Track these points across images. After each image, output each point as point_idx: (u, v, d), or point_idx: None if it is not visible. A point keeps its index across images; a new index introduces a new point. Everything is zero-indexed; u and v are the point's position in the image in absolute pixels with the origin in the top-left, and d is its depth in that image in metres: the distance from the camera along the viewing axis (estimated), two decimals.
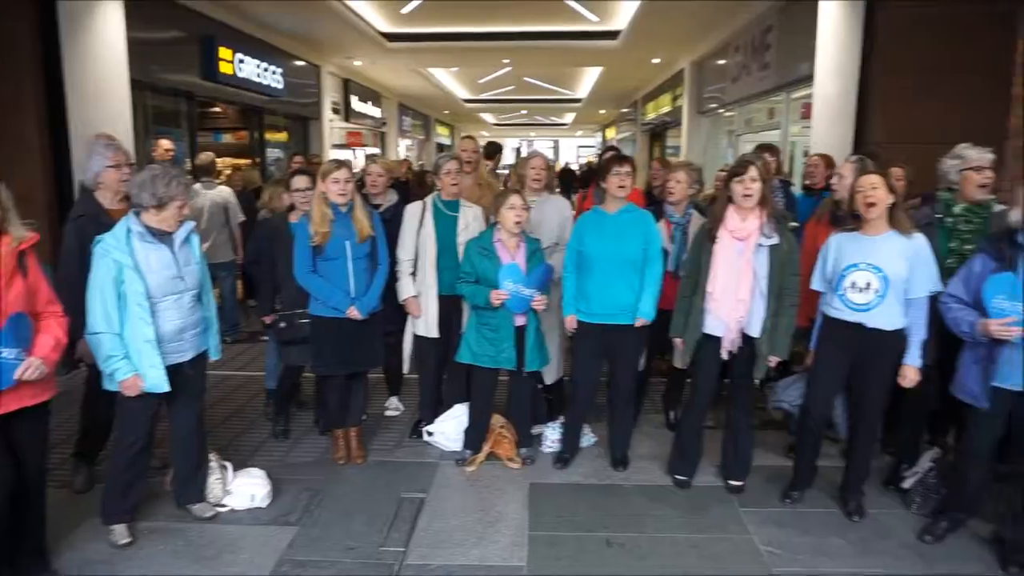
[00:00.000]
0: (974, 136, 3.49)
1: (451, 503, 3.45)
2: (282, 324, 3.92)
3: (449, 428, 3.97)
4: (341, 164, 3.62)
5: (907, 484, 3.44)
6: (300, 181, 3.99)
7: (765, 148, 4.70)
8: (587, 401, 3.78)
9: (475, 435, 3.83)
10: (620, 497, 3.51)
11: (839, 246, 3.16)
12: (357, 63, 12.88)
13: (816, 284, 3.28)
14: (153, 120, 7.38)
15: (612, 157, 3.80)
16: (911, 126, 5.06)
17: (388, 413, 4.58)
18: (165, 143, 6.49)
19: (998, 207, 3.24)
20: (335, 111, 13.05)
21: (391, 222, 3.97)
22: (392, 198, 4.32)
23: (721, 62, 10.36)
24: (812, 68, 6.22)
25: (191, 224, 3.06)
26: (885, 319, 3.04)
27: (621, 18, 9.73)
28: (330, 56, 12.10)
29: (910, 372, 3.08)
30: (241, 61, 8.87)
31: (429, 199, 3.99)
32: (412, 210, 3.96)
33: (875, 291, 3.02)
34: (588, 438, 4.06)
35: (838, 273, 3.12)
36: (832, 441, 3.75)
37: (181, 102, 8.08)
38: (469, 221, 3.91)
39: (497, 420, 3.88)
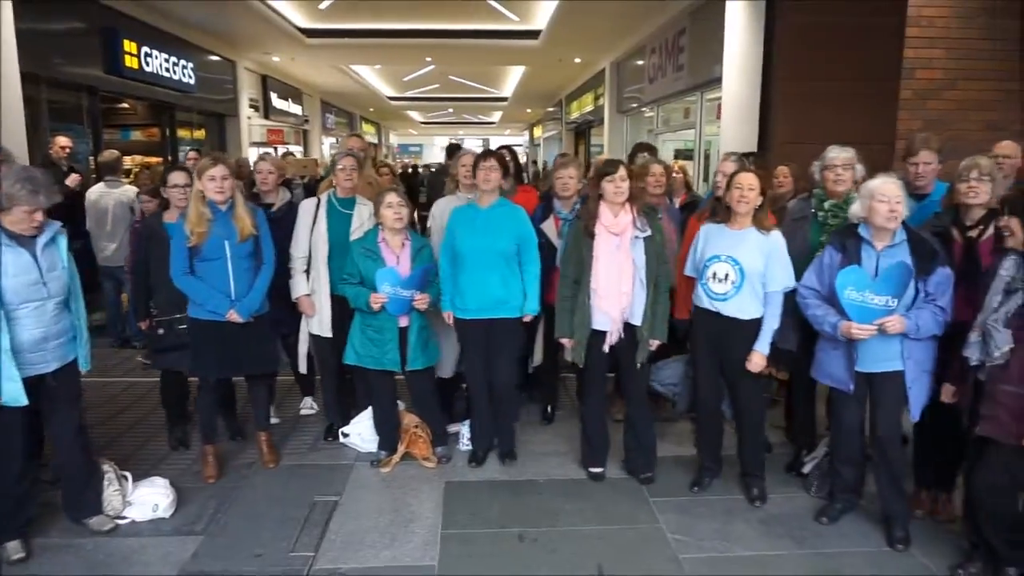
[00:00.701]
0: (866, 136, 3.70)
1: (365, 505, 3.41)
2: (160, 331, 3.73)
3: (364, 429, 3.93)
4: (217, 160, 3.44)
5: (806, 469, 3.61)
6: (176, 177, 3.76)
7: (644, 147, 4.86)
8: (482, 396, 3.79)
9: (387, 436, 3.80)
10: (534, 493, 3.54)
11: (706, 236, 3.34)
12: (275, 59, 12.57)
13: (689, 270, 3.46)
14: (50, 115, 6.99)
15: (482, 152, 3.83)
16: (810, 127, 5.30)
17: (304, 412, 4.50)
18: (62, 140, 6.16)
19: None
20: (253, 108, 12.70)
21: (284, 220, 3.89)
22: (285, 196, 4.23)
23: (639, 63, 10.59)
24: (722, 71, 6.44)
25: (56, 225, 2.90)
26: (740, 309, 3.22)
27: (541, 18, 9.82)
28: (246, 51, 11.76)
29: (756, 357, 3.25)
30: (148, 55, 8.51)
31: (324, 196, 3.94)
32: (306, 207, 3.92)
33: (732, 282, 3.21)
34: None
35: (703, 262, 3.29)
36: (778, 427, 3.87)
37: (83, 97, 7.69)
38: (364, 219, 3.86)
39: (412, 420, 3.86)
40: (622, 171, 3.36)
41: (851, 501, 3.29)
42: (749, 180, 3.23)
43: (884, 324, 2.82)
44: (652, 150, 4.88)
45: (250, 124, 12.47)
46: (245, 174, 5.16)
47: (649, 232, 3.39)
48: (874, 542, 3.11)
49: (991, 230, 2.91)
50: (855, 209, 2.98)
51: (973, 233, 2.96)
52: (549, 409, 4.45)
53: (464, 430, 4.00)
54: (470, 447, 3.92)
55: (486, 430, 3.87)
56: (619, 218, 3.37)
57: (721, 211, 3.36)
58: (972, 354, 2.64)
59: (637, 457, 3.66)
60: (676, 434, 4.14)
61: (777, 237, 3.26)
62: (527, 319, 3.68)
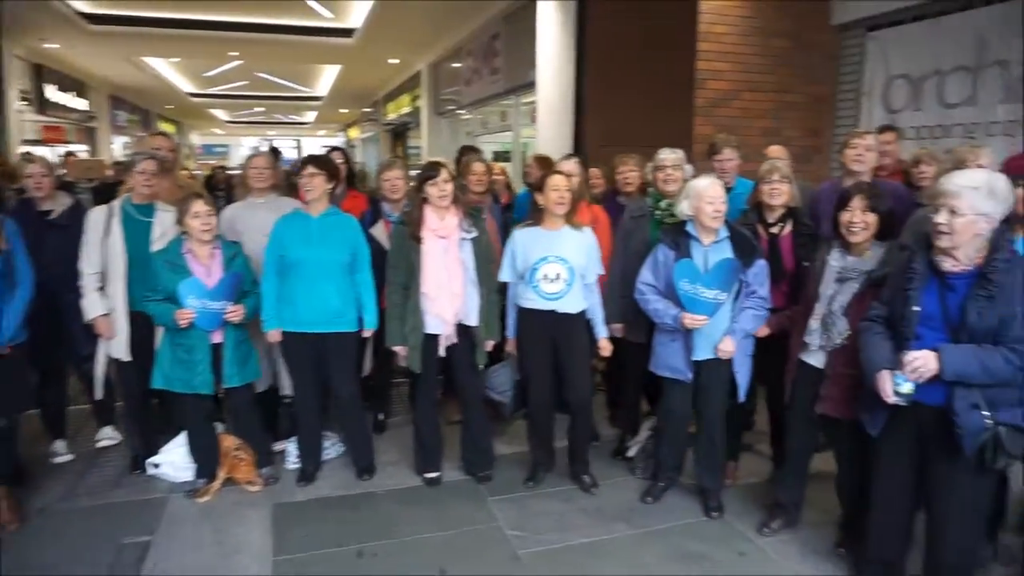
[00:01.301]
0: (669, 140, 3.98)
1: (183, 540, 3.10)
2: None
3: (177, 457, 3.57)
4: None
5: (631, 453, 3.82)
6: None
7: (469, 149, 4.93)
8: (311, 412, 3.62)
9: (204, 462, 3.50)
10: (371, 506, 3.43)
11: (524, 241, 3.43)
12: (52, 46, 11.14)
13: (506, 276, 3.51)
14: None
15: (303, 160, 3.67)
16: (620, 130, 5.62)
17: (102, 444, 4.01)
18: None
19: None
20: (25, 101, 11.16)
21: (70, 229, 3.46)
22: (65, 201, 3.76)
23: (456, 65, 10.69)
24: (536, 75, 6.65)
25: None
26: (573, 304, 3.39)
27: (356, 16, 9.58)
28: (16, 36, 10.29)
29: (605, 344, 3.48)
30: None
31: (117, 202, 3.54)
32: (96, 217, 3.49)
33: (564, 280, 3.34)
34: (334, 449, 3.92)
35: (530, 266, 3.37)
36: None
37: None
38: (167, 227, 3.47)
39: (231, 442, 3.57)
40: (444, 173, 3.35)
41: (673, 478, 3.54)
42: (563, 182, 3.36)
43: (720, 351, 3.09)
44: (478, 153, 4.92)
45: (21, 119, 10.95)
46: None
47: (475, 233, 3.42)
48: (693, 513, 3.37)
49: (789, 226, 3.26)
50: (683, 208, 3.18)
51: (775, 230, 3.29)
52: (381, 417, 4.34)
53: (291, 447, 3.78)
54: (298, 465, 3.71)
55: (316, 446, 3.70)
56: (445, 221, 3.36)
57: (535, 214, 3.45)
58: (813, 341, 2.90)
59: (474, 457, 3.67)
60: (510, 433, 4.20)
61: (588, 232, 3.44)
62: (366, 334, 3.57)
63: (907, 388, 2.29)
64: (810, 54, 6.38)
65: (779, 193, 3.22)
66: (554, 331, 3.41)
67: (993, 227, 2.25)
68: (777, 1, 6.16)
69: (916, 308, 2.33)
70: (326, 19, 9.72)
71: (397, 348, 3.47)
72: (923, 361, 2.24)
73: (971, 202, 2.21)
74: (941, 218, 2.25)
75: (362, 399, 3.76)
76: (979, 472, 2.29)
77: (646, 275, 3.27)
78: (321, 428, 3.74)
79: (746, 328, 3.10)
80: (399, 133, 16.53)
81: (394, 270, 3.44)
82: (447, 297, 3.35)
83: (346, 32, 10.24)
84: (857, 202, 2.73)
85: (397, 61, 12.56)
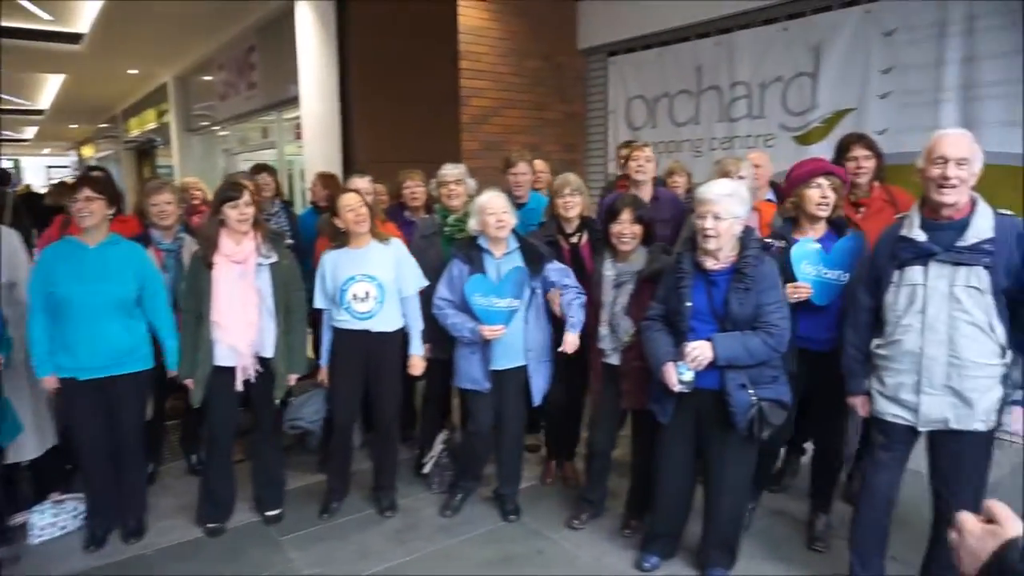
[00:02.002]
0: (438, 155, 4.07)
1: None
2: None
3: None
4: None
5: (427, 469, 3.82)
6: None
7: (261, 168, 4.66)
8: (99, 466, 3.16)
9: None
10: (144, 569, 3.05)
11: (332, 263, 3.34)
12: None
13: (319, 302, 3.39)
14: None
15: (75, 181, 3.25)
16: (391, 146, 5.63)
17: None
18: None
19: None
20: None
21: None
22: None
23: (207, 78, 9.95)
24: (299, 90, 6.42)
25: None
26: (387, 322, 3.33)
27: (83, 20, 8.51)
28: None
29: (417, 361, 3.44)
30: None
31: None
32: None
33: (374, 298, 3.28)
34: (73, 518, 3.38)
35: (339, 288, 3.28)
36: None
37: None
38: None
39: None
40: (247, 196, 3.10)
41: (472, 488, 3.60)
42: (355, 199, 3.28)
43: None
44: (271, 171, 4.64)
45: None
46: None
47: (275, 258, 3.19)
48: (491, 520, 3.45)
49: (586, 235, 3.48)
50: (472, 223, 3.26)
51: (574, 239, 3.49)
52: (151, 467, 3.88)
53: (34, 518, 3.23)
54: (45, 537, 3.19)
55: (107, 504, 3.23)
56: (242, 245, 3.11)
57: (339, 235, 3.35)
58: (606, 346, 3.12)
59: (266, 493, 3.43)
60: (294, 464, 3.98)
61: (397, 244, 3.39)
62: (172, 375, 3.24)
63: (688, 376, 2.60)
64: (562, 75, 6.90)
65: (573, 205, 3.43)
66: (368, 351, 3.32)
67: (743, 228, 2.64)
68: (530, 25, 6.57)
69: (688, 304, 2.64)
70: (45, 21, 8.51)
71: (187, 382, 3.15)
72: (700, 350, 2.57)
73: (728, 207, 2.56)
74: (708, 223, 2.57)
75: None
76: (748, 443, 2.68)
77: (443, 291, 3.30)
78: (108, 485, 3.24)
79: (581, 318, 3.17)
80: (145, 151, 14.97)
81: (186, 298, 3.14)
82: (241, 327, 3.10)
83: (72, 37, 9.05)
84: (626, 215, 3.01)
85: (136, 72, 11.36)
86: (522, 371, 3.31)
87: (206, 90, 10.12)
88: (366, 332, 3.29)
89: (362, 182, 3.89)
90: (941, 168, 2.32)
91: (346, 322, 3.31)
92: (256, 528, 3.38)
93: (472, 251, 3.26)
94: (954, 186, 2.31)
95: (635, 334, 2.97)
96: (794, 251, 2.90)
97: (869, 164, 3.26)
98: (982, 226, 2.31)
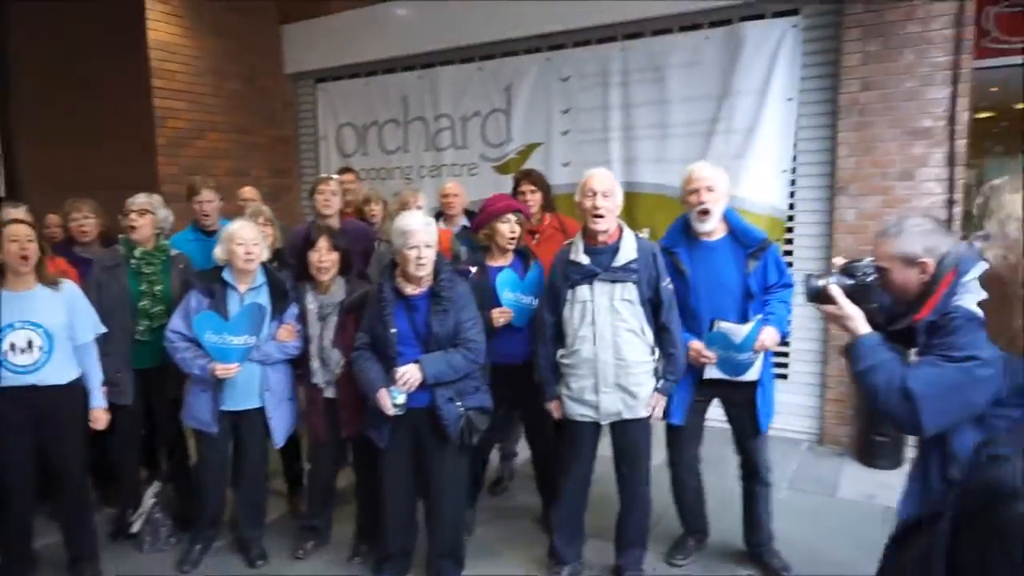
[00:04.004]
0: (130, 180, 3.76)
1: None
2: None
3: None
4: None
5: (136, 528, 3.47)
6: None
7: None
8: None
9: None
10: None
11: None
12: None
13: None
14: None
15: None
16: (71, 170, 5.01)
17: None
18: None
19: (173, 251, 3.57)
20: None
21: None
22: None
23: None
24: None
25: None
26: (58, 373, 2.96)
27: None
28: None
29: (99, 415, 3.11)
30: None
31: None
32: None
33: (40, 348, 2.90)
34: None
35: None
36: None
37: None
38: None
39: None
40: None
41: (213, 536, 3.40)
42: (22, 231, 2.87)
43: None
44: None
45: None
46: None
47: None
48: (236, 566, 3.31)
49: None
50: (218, 251, 3.08)
51: None
52: None
53: None
54: None
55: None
56: None
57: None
58: (319, 379, 3.12)
59: None
60: None
61: (71, 287, 3.04)
62: None
63: (402, 399, 2.75)
64: (268, 98, 6.70)
65: (266, 236, 3.36)
66: (36, 409, 2.90)
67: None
68: (230, 45, 6.29)
69: (394, 330, 2.78)
70: None
71: None
72: (410, 374, 2.72)
73: (430, 237, 2.79)
74: (422, 252, 2.75)
75: None
76: (462, 452, 2.91)
77: (176, 323, 3.06)
78: None
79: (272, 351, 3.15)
80: None
81: None
82: None
83: None
84: (323, 242, 3.08)
85: None
86: (260, 413, 3.18)
87: None
88: (34, 387, 2.89)
89: (17, 212, 3.44)
90: (592, 200, 2.81)
91: (4, 379, 2.85)
92: None
93: (214, 283, 3.08)
94: (602, 216, 2.79)
95: (345, 364, 3.05)
96: (499, 279, 3.23)
97: (535, 197, 3.76)
98: (628, 249, 2.83)
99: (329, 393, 3.15)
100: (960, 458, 1.69)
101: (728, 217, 2.95)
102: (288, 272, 3.37)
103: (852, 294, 1.89)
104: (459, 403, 2.83)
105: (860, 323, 1.86)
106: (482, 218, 3.32)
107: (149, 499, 3.51)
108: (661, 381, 2.89)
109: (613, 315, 2.80)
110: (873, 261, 1.92)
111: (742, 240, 2.91)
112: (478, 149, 5.97)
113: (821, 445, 4.69)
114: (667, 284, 2.83)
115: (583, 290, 2.83)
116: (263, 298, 3.14)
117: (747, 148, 4.71)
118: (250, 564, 3.30)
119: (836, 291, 1.88)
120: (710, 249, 2.93)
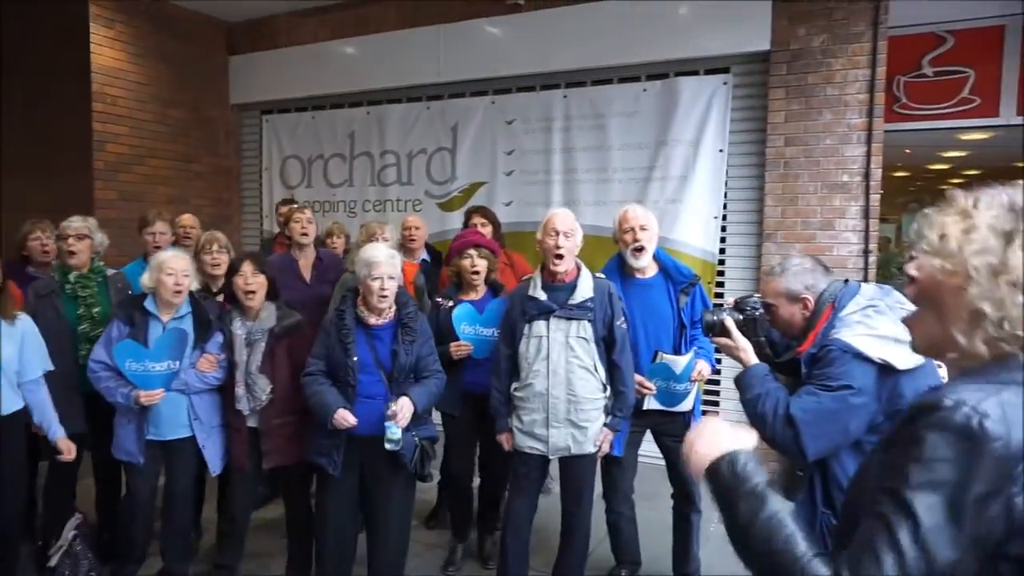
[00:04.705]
0: (65, 204, 3.69)
1: None
2: None
3: None
4: None
5: (54, 562, 3.31)
6: None
7: None
8: None
9: None
10: None
11: None
12: None
13: None
14: None
15: None
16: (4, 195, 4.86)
17: None
18: None
19: (110, 271, 3.52)
20: None
21: None
22: None
23: None
24: None
25: None
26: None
27: None
28: None
29: (64, 444, 3.01)
30: None
31: None
32: None
33: None
34: None
35: None
36: None
37: None
38: None
39: None
40: None
41: (135, 571, 3.27)
42: None
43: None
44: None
45: None
46: None
47: None
48: None
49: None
50: (144, 279, 3.01)
51: (219, 299, 3.34)
52: None
53: None
54: None
55: None
56: None
57: None
58: (243, 407, 3.03)
59: None
60: None
61: (26, 321, 2.94)
62: None
63: (397, 434, 2.72)
64: (211, 127, 6.66)
65: (221, 263, 3.35)
66: None
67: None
68: (175, 73, 6.25)
69: (356, 358, 2.80)
70: None
71: None
72: (407, 408, 2.75)
73: (395, 270, 2.84)
74: (385, 284, 2.79)
75: None
76: (410, 483, 2.95)
77: (99, 352, 2.99)
78: None
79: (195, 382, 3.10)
80: None
81: None
82: None
83: None
84: (247, 267, 3.06)
85: None
86: (191, 442, 3.11)
87: None
88: None
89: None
90: (554, 239, 2.93)
91: None
92: None
93: (136, 312, 3.02)
94: (562, 256, 2.91)
95: (274, 390, 3.04)
96: (455, 314, 3.30)
97: (486, 231, 3.91)
98: (585, 287, 2.94)
99: (251, 422, 3.09)
100: (841, 483, 1.82)
101: (659, 256, 3.12)
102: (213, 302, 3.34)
103: (742, 327, 2.07)
104: (414, 432, 2.84)
105: (750, 354, 2.03)
106: (450, 254, 3.43)
107: (69, 531, 3.36)
108: (610, 417, 2.98)
109: (567, 351, 2.89)
110: (760, 298, 2.10)
111: (674, 276, 3.08)
112: (423, 186, 6.06)
113: None
114: (621, 323, 2.93)
115: (539, 325, 2.92)
116: (187, 327, 3.09)
117: (681, 194, 4.96)
118: None
119: (731, 324, 2.04)
120: (645, 286, 3.09)
